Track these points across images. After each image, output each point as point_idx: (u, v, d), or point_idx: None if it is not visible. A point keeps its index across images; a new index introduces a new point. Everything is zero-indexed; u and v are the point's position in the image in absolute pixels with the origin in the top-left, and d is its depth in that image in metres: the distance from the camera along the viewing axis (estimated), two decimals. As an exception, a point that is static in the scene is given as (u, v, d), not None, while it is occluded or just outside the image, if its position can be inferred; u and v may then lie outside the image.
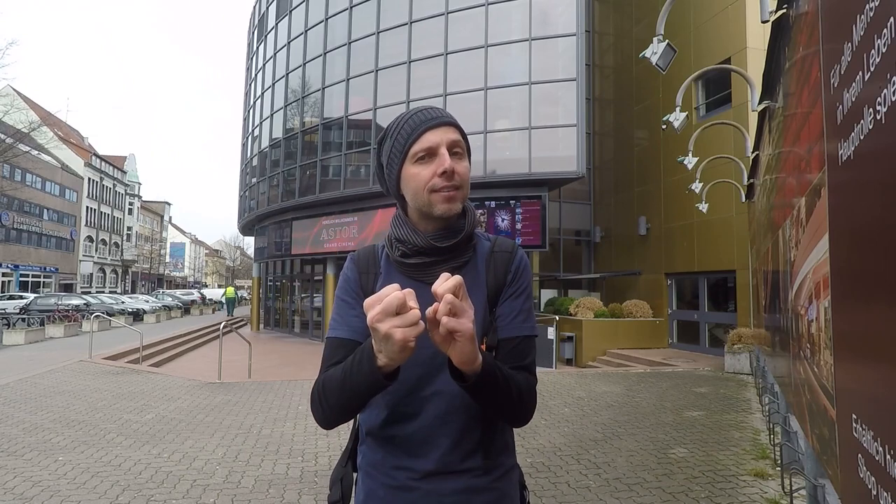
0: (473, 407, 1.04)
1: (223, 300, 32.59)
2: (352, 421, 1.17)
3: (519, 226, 14.38)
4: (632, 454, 4.87)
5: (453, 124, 1.07)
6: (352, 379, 0.95)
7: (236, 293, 32.42)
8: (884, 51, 0.90)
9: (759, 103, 4.38)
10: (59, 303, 22.82)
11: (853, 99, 1.12)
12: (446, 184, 1.03)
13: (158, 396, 7.28)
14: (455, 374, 0.94)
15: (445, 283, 0.86)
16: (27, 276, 39.31)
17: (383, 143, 1.10)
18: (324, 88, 18.07)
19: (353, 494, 1.13)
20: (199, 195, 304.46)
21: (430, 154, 1.04)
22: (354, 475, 1.15)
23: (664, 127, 6.99)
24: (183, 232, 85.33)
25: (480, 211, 14.44)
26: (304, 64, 19.11)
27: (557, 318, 13.20)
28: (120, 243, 55.54)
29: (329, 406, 1.02)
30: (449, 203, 1.04)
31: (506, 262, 1.13)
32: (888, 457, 0.94)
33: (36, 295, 28.62)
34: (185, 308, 32.51)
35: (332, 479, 1.14)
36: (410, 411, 1.05)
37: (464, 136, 1.09)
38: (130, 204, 58.61)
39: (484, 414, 1.05)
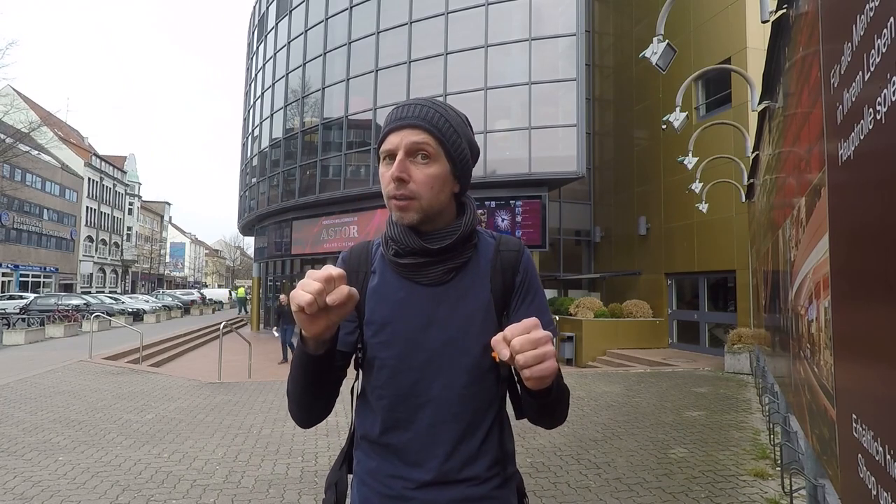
0: (470, 415, 1.02)
1: (235, 299, 34.19)
2: (348, 424, 1.16)
3: (519, 226, 14.39)
4: (632, 454, 4.87)
5: (419, 126, 0.98)
6: (293, 363, 0.99)
7: (247, 293, 32.69)
8: (884, 51, 0.90)
9: (759, 103, 4.38)
10: (59, 303, 22.83)
11: (853, 99, 1.12)
12: (395, 192, 0.98)
13: (158, 396, 7.28)
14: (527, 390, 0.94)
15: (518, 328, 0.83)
16: (27, 276, 39.30)
17: None
18: (324, 88, 18.08)
19: (347, 498, 1.12)
20: (199, 195, 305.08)
21: (391, 156, 1.00)
22: (349, 477, 1.14)
23: (664, 127, 6.99)
24: (183, 232, 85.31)
25: (480, 211, 14.45)
26: (304, 64, 19.12)
27: (557, 318, 13.20)
28: (120, 243, 55.52)
29: (290, 398, 1.04)
30: (400, 212, 1.00)
31: (513, 263, 1.09)
32: (888, 457, 0.94)
33: (36, 295, 28.61)
34: (185, 308, 32.59)
35: (328, 483, 1.13)
36: (405, 418, 1.02)
37: (441, 135, 0.99)
38: (130, 204, 58.60)
39: (482, 422, 1.03)
